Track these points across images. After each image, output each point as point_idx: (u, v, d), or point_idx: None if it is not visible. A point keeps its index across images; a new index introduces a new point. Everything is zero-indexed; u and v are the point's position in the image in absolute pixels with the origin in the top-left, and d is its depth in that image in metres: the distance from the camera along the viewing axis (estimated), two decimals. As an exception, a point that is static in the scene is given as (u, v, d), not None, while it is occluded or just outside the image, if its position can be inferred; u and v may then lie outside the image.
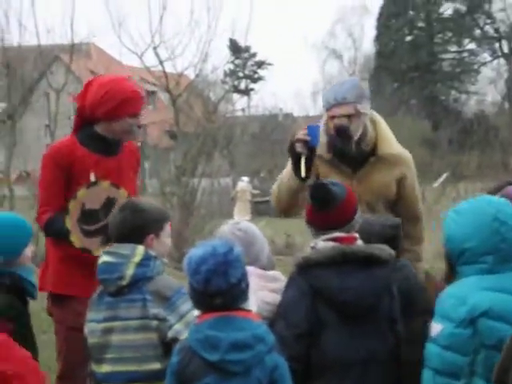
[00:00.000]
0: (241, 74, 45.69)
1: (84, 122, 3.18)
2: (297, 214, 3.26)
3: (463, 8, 40.68)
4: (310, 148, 2.94)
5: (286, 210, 3.10)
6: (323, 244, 2.48)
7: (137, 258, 2.45)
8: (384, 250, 2.53)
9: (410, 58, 39.63)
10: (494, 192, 2.96)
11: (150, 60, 9.51)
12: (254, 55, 46.21)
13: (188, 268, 2.17)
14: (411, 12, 41.40)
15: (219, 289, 2.13)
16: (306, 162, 2.93)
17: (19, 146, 11.49)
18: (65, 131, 11.24)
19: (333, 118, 3.00)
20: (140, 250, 2.47)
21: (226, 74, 40.55)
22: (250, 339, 2.12)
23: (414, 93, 38.08)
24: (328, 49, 46.45)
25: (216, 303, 2.15)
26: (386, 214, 3.13)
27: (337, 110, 2.96)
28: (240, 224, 2.75)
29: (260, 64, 47.33)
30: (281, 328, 2.40)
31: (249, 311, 2.23)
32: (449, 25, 40.78)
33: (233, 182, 18.43)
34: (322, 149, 3.07)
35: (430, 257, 10.56)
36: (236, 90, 35.37)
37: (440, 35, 41.74)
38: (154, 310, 2.42)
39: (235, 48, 43.07)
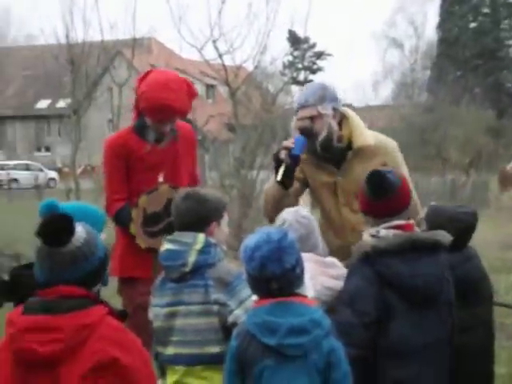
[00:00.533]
0: (300, 66, 45.53)
1: (139, 113, 3.33)
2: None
3: (531, -9, 39.31)
4: (293, 157, 3.08)
5: (271, 216, 3.17)
6: (385, 232, 2.50)
7: (198, 246, 2.53)
8: (445, 236, 2.55)
9: (475, 45, 38.62)
10: None
11: (210, 53, 9.56)
12: (313, 46, 45.95)
13: (244, 255, 2.21)
14: (475, -3, 40.30)
15: (274, 274, 2.16)
16: (286, 171, 3.08)
17: (84, 141, 11.77)
18: (128, 125, 11.51)
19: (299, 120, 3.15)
20: (201, 237, 2.55)
21: (284, 66, 40.54)
22: (307, 324, 2.15)
23: (478, 81, 37.03)
24: (388, 38, 45.76)
25: (272, 288, 2.18)
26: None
27: (301, 113, 3.13)
28: (302, 212, 2.81)
29: (319, 55, 47.04)
30: (347, 315, 2.42)
31: (305, 296, 2.26)
32: (515, 10, 39.50)
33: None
34: (306, 156, 3.20)
35: (498, 247, 10.32)
36: (295, 81, 35.23)
37: (506, 21, 40.46)
38: (216, 295, 2.49)
39: (294, 39, 42.93)
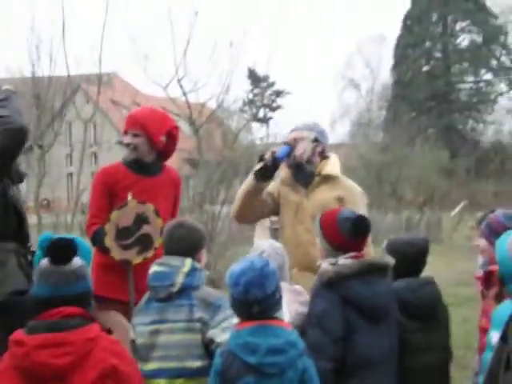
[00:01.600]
0: (259, 103, 46.20)
1: None
2: (250, 222, 3.91)
3: (479, 39, 41.01)
4: (275, 159, 3.52)
5: (240, 214, 3.66)
6: (343, 261, 2.84)
7: (186, 269, 2.77)
8: (390, 260, 2.99)
9: (427, 88, 39.91)
10: (480, 221, 3.44)
11: (174, 91, 9.81)
12: (272, 84, 46.79)
13: (229, 281, 2.48)
14: (428, 42, 41.81)
15: (256, 298, 2.42)
16: (264, 167, 3.51)
17: (46, 175, 11.69)
18: (88, 160, 11.60)
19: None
20: (188, 262, 2.80)
21: (244, 103, 41.12)
22: (284, 345, 2.41)
23: (431, 122, 38.25)
24: (346, 78, 46.95)
25: (254, 311, 2.43)
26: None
27: (290, 135, 3.72)
28: (277, 244, 3.16)
29: (278, 93, 47.87)
30: (317, 335, 2.71)
31: (282, 320, 2.52)
32: (465, 55, 41.08)
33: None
34: (285, 174, 3.73)
35: (451, 283, 10.66)
36: (255, 118, 35.76)
37: (457, 65, 42.05)
38: (199, 313, 2.71)
39: (254, 77, 43.69)
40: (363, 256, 2.91)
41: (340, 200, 3.57)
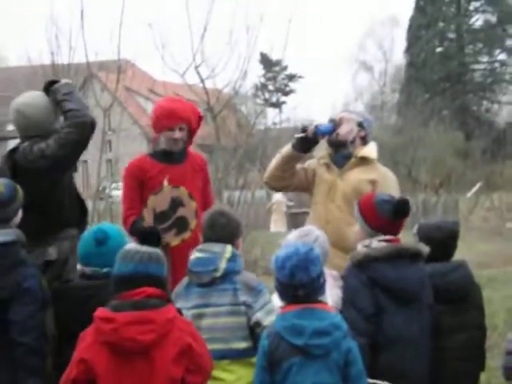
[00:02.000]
0: (272, 88, 46.09)
1: (154, 140, 3.87)
2: (278, 188, 4.03)
3: (494, 19, 40.54)
4: (315, 132, 3.64)
5: (270, 178, 3.81)
6: (377, 243, 2.96)
7: (227, 255, 2.90)
8: (424, 247, 3.07)
9: (441, 69, 39.59)
10: None
11: (191, 78, 9.82)
12: (285, 68, 46.61)
13: (275, 265, 2.60)
14: (441, 23, 41.39)
15: (301, 282, 2.53)
16: (303, 138, 3.63)
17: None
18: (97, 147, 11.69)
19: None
20: (229, 247, 2.93)
21: (257, 88, 41.01)
22: (328, 327, 2.52)
23: (445, 103, 37.96)
24: (358, 61, 46.67)
25: (299, 294, 2.55)
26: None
27: (339, 114, 3.87)
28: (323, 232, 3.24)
29: (291, 77, 47.70)
30: (349, 311, 2.85)
31: (326, 303, 2.63)
32: (479, 36, 40.66)
33: (267, 195, 18.67)
34: (323, 153, 3.83)
35: (472, 266, 10.65)
36: (270, 104, 35.68)
37: (471, 46, 41.63)
38: (243, 297, 2.85)
39: (266, 62, 43.54)
40: (398, 240, 3.00)
41: (373, 183, 3.65)
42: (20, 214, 3.05)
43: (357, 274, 2.91)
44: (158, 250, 2.54)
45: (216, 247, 2.90)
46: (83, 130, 3.21)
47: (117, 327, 2.35)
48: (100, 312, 2.42)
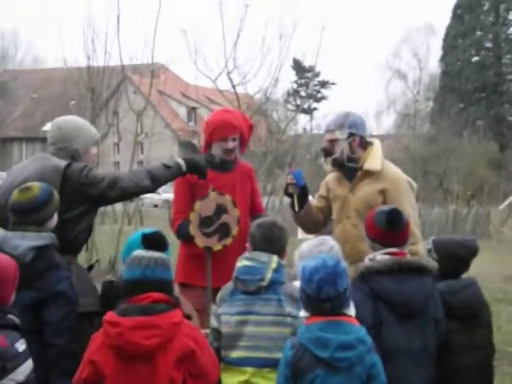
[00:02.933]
0: (303, 94, 46.04)
1: (206, 147, 3.98)
2: (319, 231, 3.99)
3: (533, 28, 39.96)
4: (300, 188, 3.74)
5: (308, 232, 3.97)
6: (381, 257, 2.97)
7: (273, 265, 2.94)
8: (430, 261, 3.05)
9: (477, 79, 39.11)
10: None
11: (222, 83, 9.88)
12: (317, 75, 46.53)
13: (302, 277, 2.61)
14: (479, 32, 40.91)
15: (329, 296, 2.55)
16: (299, 199, 3.74)
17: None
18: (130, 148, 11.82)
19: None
20: (275, 258, 2.96)
21: (289, 94, 40.99)
22: (353, 341, 2.54)
23: (480, 113, 37.49)
24: (392, 69, 46.34)
25: (325, 307, 2.56)
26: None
27: (325, 136, 3.80)
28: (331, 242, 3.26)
29: (323, 84, 47.59)
30: None
31: (351, 316, 2.63)
32: (517, 46, 40.09)
33: (296, 201, 18.58)
34: (330, 169, 3.83)
35: (500, 279, 10.49)
36: (302, 110, 35.57)
37: (508, 56, 41.05)
38: (289, 308, 2.88)
39: (299, 68, 43.51)
40: (403, 254, 2.98)
41: (384, 192, 3.61)
42: (55, 218, 3.10)
43: (359, 286, 2.91)
44: (163, 255, 2.58)
45: (264, 257, 2.95)
46: (141, 191, 3.48)
47: (122, 331, 2.40)
48: (108, 316, 2.48)
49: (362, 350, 2.54)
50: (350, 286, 2.86)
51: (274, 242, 2.98)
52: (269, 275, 2.90)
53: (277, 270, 2.92)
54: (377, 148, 3.73)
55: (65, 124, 3.63)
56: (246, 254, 3.01)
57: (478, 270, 3.37)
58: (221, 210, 3.75)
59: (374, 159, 3.68)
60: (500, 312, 6.66)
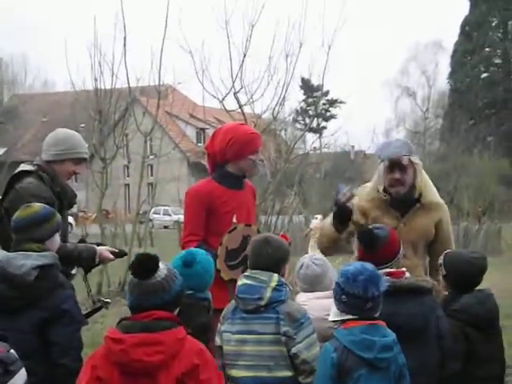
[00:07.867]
0: (312, 113, 46.18)
1: (216, 165, 3.86)
2: (335, 254, 3.78)
3: (541, 44, 39.95)
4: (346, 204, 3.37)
5: (325, 251, 3.67)
6: None
7: (273, 284, 2.90)
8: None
9: (486, 95, 39.12)
10: None
11: (230, 103, 9.92)
12: (326, 94, 46.71)
13: (345, 279, 2.71)
14: (487, 49, 40.96)
15: (373, 295, 2.69)
16: (342, 215, 3.39)
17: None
18: (144, 171, 11.81)
19: (391, 169, 3.42)
20: (275, 277, 2.93)
21: (297, 113, 41.14)
22: (391, 343, 2.73)
23: (490, 130, 37.38)
24: (401, 86, 46.44)
25: (367, 307, 2.70)
26: (425, 252, 3.60)
27: (395, 161, 3.40)
28: (316, 255, 3.41)
29: (332, 102, 47.73)
30: None
31: (380, 320, 2.75)
32: (526, 61, 40.09)
33: (305, 220, 18.57)
34: (376, 193, 3.51)
35: (510, 295, 10.38)
36: (310, 129, 35.69)
37: (517, 71, 41.05)
38: (285, 328, 2.85)
39: (307, 87, 43.70)
40: (400, 273, 3.03)
41: (439, 222, 3.55)
42: (58, 240, 3.12)
43: None
44: (159, 278, 2.46)
45: (263, 275, 2.91)
46: None
47: (125, 348, 2.38)
48: (111, 332, 2.45)
49: (397, 351, 2.74)
50: None
51: (265, 259, 2.93)
52: (267, 294, 2.87)
53: (276, 289, 2.89)
54: (424, 173, 3.51)
55: (55, 133, 3.74)
56: (247, 273, 2.98)
57: (489, 285, 3.34)
58: (247, 241, 3.61)
59: (431, 189, 3.53)
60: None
